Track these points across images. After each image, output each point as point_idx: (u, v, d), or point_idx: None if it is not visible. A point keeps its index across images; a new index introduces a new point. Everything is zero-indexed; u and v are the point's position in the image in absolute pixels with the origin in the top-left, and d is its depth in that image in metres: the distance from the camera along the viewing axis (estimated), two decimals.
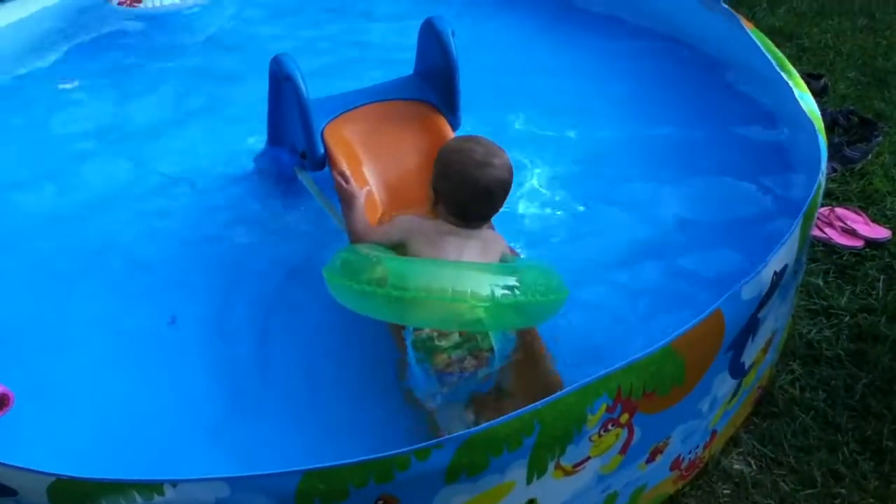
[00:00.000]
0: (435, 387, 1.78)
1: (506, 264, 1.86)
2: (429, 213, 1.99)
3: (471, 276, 1.68)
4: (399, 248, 1.91)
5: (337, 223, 2.21)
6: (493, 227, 2.04)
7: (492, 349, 1.78)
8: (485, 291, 1.65)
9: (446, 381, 1.77)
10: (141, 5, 3.39)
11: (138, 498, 1.38)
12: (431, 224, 1.92)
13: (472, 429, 1.39)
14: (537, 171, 2.56)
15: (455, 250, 1.86)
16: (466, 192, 1.86)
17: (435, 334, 1.77)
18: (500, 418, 1.41)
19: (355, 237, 2.01)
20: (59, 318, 2.12)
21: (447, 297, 1.63)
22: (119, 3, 3.39)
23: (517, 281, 1.70)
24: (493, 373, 1.81)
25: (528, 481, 1.50)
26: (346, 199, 2.06)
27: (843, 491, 1.92)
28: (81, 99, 2.95)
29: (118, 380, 1.97)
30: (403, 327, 1.81)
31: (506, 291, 1.66)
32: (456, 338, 1.77)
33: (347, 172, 2.11)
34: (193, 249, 2.31)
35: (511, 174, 1.90)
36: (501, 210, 1.94)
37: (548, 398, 1.45)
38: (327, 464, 1.35)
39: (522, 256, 2.06)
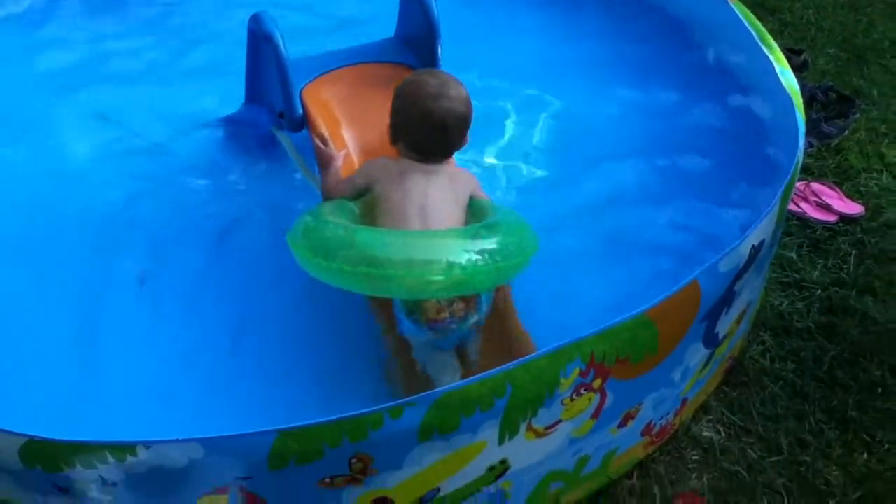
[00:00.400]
0: (427, 336, 1.77)
1: (473, 227, 1.82)
2: (394, 154, 1.97)
3: (442, 246, 1.67)
4: (366, 193, 1.89)
5: (312, 183, 2.19)
6: (454, 164, 2.02)
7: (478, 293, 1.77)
8: (459, 259, 1.63)
9: (438, 328, 1.76)
10: None
11: (111, 459, 1.38)
12: (394, 163, 1.91)
13: (444, 387, 1.40)
14: (514, 134, 2.56)
15: (419, 187, 1.84)
16: (421, 126, 1.85)
17: None
18: (472, 378, 1.42)
19: (326, 195, 2.00)
20: (30, 281, 2.09)
21: (418, 271, 1.61)
22: None
23: (489, 244, 1.68)
24: (480, 318, 1.80)
25: (500, 442, 1.52)
26: (323, 162, 2.04)
27: (808, 458, 1.97)
28: (53, 55, 2.87)
29: (90, 342, 1.95)
30: None
31: (479, 257, 1.65)
32: None
33: (326, 135, 2.09)
34: (168, 211, 2.28)
35: (469, 108, 1.88)
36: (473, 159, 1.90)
37: (520, 360, 1.46)
38: (301, 423, 1.36)
39: (490, 200, 2.02)
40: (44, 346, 1.94)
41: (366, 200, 1.91)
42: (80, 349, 1.94)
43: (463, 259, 1.63)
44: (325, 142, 2.07)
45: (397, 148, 1.95)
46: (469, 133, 1.95)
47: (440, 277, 1.61)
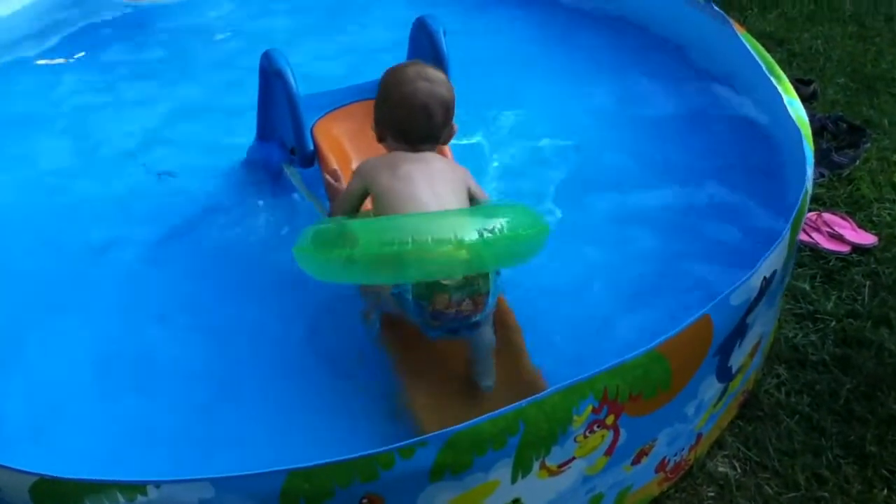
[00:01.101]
0: (427, 320, 1.75)
1: (484, 206, 1.80)
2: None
3: (453, 221, 1.66)
4: (366, 196, 1.88)
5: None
6: (450, 155, 2.01)
7: (488, 293, 1.75)
8: (470, 233, 1.61)
9: (440, 318, 1.73)
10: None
11: (121, 498, 1.37)
12: (386, 158, 1.89)
13: (456, 426, 1.39)
14: (524, 164, 2.57)
15: (421, 175, 1.81)
16: (404, 111, 1.85)
17: None
18: (484, 416, 1.41)
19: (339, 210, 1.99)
20: (41, 316, 2.10)
21: (432, 244, 1.59)
22: None
23: (500, 220, 1.66)
24: (480, 319, 1.78)
25: (513, 481, 1.50)
26: (335, 197, 2.05)
27: (826, 495, 1.93)
28: (69, 87, 2.93)
29: (102, 379, 1.96)
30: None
31: (492, 228, 1.63)
32: (460, 280, 1.71)
33: (339, 171, 2.10)
34: (175, 243, 2.30)
35: (450, 91, 1.88)
36: None
37: (533, 397, 1.45)
38: (311, 463, 1.35)
39: (491, 199, 2.01)
40: (56, 382, 1.94)
41: (374, 207, 1.88)
42: (92, 386, 1.95)
43: (485, 232, 1.62)
44: (336, 177, 2.08)
45: (385, 145, 1.94)
46: (455, 121, 1.92)
47: (464, 253, 1.60)
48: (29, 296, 2.15)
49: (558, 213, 2.41)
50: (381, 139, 1.94)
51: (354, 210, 1.92)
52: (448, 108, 1.88)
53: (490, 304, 1.78)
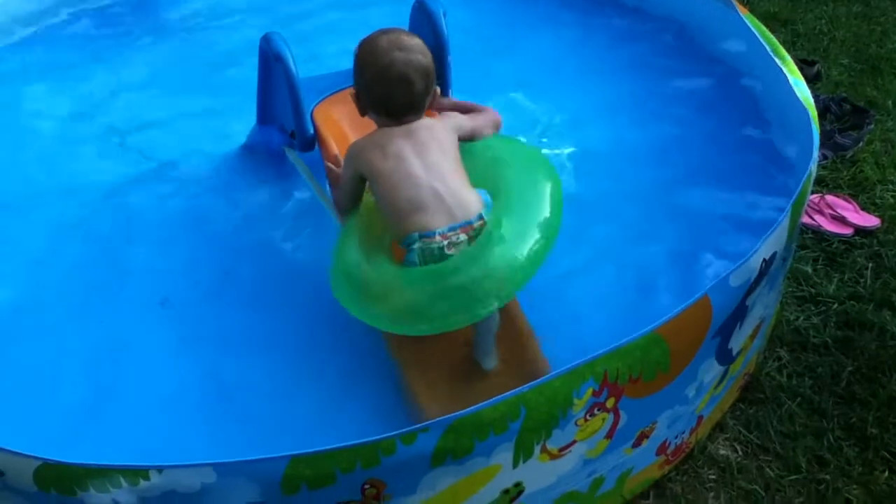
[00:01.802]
0: None
1: (490, 234, 1.72)
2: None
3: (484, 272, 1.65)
4: (366, 180, 1.84)
5: (324, 203, 2.20)
6: (436, 116, 1.96)
7: None
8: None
9: None
10: None
11: (124, 483, 1.38)
12: (372, 138, 1.83)
13: (458, 413, 1.39)
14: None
15: (411, 150, 1.76)
16: (382, 85, 1.77)
17: (445, 242, 1.69)
18: (486, 402, 1.41)
19: (337, 210, 1.98)
20: (47, 302, 2.10)
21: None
22: None
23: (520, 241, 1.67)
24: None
25: (514, 465, 1.50)
26: (336, 182, 2.05)
27: (827, 477, 1.94)
28: (64, 77, 2.91)
29: (106, 363, 1.96)
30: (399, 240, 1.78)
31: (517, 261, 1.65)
32: (464, 247, 1.70)
33: (340, 157, 2.09)
34: (179, 231, 2.28)
35: (427, 56, 1.81)
36: None
37: (534, 382, 1.45)
38: (314, 449, 1.35)
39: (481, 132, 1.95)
40: (60, 367, 1.95)
41: (371, 192, 1.86)
42: (95, 370, 1.94)
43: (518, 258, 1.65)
44: (337, 163, 2.06)
45: (369, 117, 1.88)
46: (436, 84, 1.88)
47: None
48: (28, 282, 2.15)
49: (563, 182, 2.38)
50: (363, 113, 1.89)
51: (358, 199, 1.90)
52: (428, 75, 1.80)
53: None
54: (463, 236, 1.70)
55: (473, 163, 1.84)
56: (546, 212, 1.72)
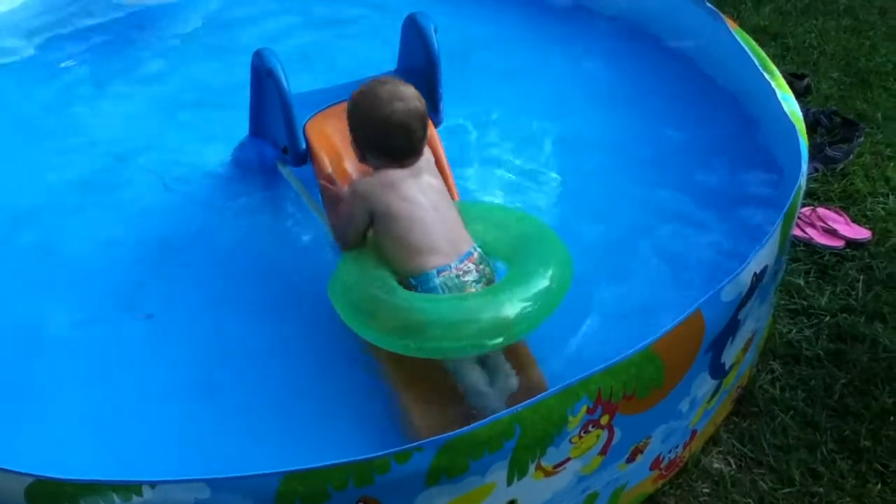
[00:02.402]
0: None
1: (514, 277, 1.85)
2: (364, 170, 2.00)
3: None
4: (374, 221, 1.89)
5: (318, 217, 2.20)
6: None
7: None
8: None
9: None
10: None
11: (116, 499, 1.37)
12: (381, 178, 1.91)
13: (453, 433, 1.39)
14: (517, 162, 2.56)
15: (421, 193, 1.88)
16: (384, 133, 1.88)
17: (460, 273, 1.81)
18: (481, 421, 1.41)
19: (339, 239, 2.00)
20: (34, 315, 2.09)
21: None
22: None
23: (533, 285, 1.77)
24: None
25: (509, 483, 1.50)
26: (332, 202, 2.05)
27: (820, 490, 1.94)
28: (61, 88, 2.91)
29: (98, 378, 1.95)
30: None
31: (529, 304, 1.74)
32: (474, 275, 1.83)
33: (333, 174, 2.09)
34: (171, 243, 2.29)
35: (422, 101, 1.93)
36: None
37: (529, 401, 1.45)
38: (307, 466, 1.35)
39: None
40: (50, 383, 1.94)
41: (375, 227, 1.91)
42: (87, 386, 1.94)
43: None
44: (330, 180, 2.08)
45: (369, 164, 1.96)
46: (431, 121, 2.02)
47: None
48: (25, 297, 2.14)
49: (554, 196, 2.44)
50: (362, 158, 1.97)
51: (364, 234, 1.94)
52: (424, 119, 1.93)
53: None
54: (471, 265, 1.84)
55: (501, 235, 1.97)
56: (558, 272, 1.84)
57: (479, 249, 1.88)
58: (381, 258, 1.88)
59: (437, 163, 2.07)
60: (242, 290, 2.16)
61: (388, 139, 1.89)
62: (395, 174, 1.90)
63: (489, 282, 1.85)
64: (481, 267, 1.85)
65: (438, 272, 1.80)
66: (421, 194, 1.88)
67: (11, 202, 2.42)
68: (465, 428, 1.41)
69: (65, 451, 1.77)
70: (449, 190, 2.04)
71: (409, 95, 1.90)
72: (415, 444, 1.38)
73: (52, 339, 2.04)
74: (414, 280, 1.83)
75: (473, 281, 1.82)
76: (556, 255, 1.87)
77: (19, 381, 1.94)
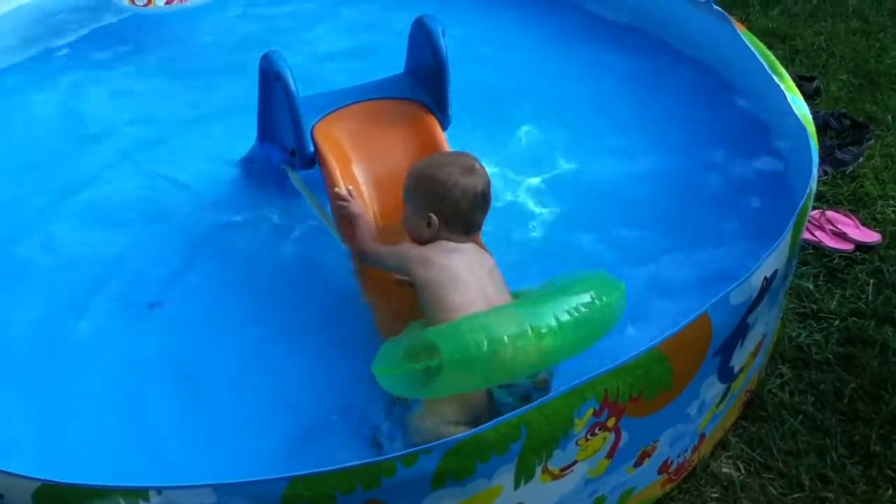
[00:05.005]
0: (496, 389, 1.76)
1: (554, 290, 1.78)
2: (408, 237, 1.99)
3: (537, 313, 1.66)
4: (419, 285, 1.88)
5: (324, 222, 2.21)
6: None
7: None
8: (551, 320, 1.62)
9: (512, 387, 1.75)
10: (151, 6, 3.19)
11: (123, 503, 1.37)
12: (434, 250, 1.91)
13: (459, 435, 1.39)
14: (528, 178, 2.56)
15: (470, 266, 1.88)
16: (468, 203, 1.93)
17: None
18: (487, 424, 1.41)
19: (370, 257, 2.02)
20: (39, 319, 2.11)
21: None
22: (130, 3, 3.16)
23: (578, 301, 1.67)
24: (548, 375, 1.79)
25: (516, 486, 1.50)
26: (349, 220, 2.07)
27: (830, 495, 1.93)
28: (76, 95, 2.93)
29: (105, 381, 1.96)
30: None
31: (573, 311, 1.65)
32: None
33: (344, 192, 2.09)
34: (181, 248, 2.30)
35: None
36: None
37: (534, 403, 1.45)
38: (313, 470, 1.35)
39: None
40: (57, 387, 1.95)
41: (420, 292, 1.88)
42: (95, 389, 1.95)
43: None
44: (345, 199, 2.08)
45: (430, 234, 1.94)
46: None
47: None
48: (28, 299, 2.16)
49: (557, 209, 2.43)
50: (428, 225, 1.94)
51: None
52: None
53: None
54: None
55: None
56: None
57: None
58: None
59: None
60: (248, 292, 2.17)
61: (472, 210, 1.94)
62: (453, 247, 1.92)
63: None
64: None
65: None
66: (475, 268, 1.88)
67: (12, 202, 2.44)
68: (470, 431, 1.40)
69: (72, 455, 1.78)
70: None
71: (481, 167, 1.98)
72: (421, 447, 1.38)
73: (59, 343, 2.05)
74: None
75: None
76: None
77: (25, 385, 1.95)
